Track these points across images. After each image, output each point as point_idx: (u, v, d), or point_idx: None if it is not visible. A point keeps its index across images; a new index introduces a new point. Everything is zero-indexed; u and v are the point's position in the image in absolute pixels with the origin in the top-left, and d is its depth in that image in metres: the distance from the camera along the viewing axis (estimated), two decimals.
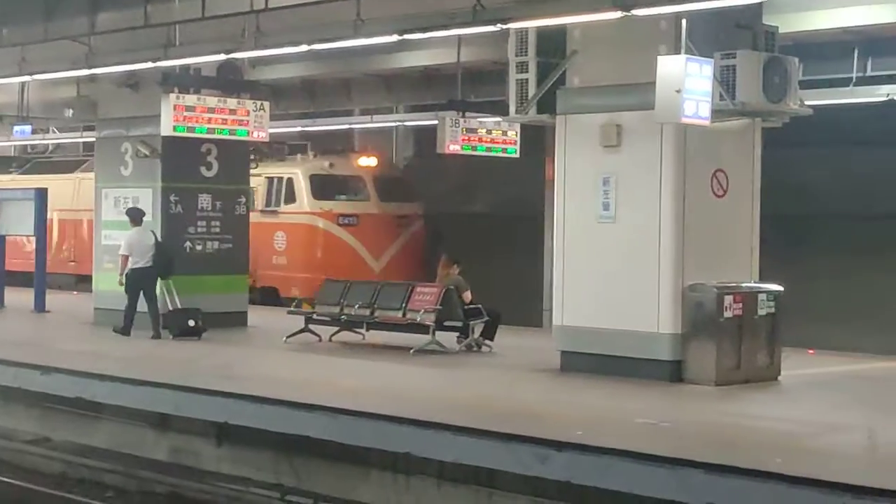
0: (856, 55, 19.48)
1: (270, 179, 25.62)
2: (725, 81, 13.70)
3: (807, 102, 14.93)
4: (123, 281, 18.65)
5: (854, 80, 19.65)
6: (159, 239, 18.96)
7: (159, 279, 18.85)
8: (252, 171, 22.16)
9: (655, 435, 11.12)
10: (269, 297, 24.66)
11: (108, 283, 19.92)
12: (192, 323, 18.76)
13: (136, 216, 19.07)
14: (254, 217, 22.19)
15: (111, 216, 20.65)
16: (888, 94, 19.92)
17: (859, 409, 12.73)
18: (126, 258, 18.69)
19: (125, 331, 18.53)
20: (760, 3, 13.77)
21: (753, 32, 14.25)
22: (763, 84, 13.86)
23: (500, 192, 26.87)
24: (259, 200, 25.07)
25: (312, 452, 12.20)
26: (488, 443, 10.86)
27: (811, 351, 17.48)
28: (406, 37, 15.39)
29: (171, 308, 18.98)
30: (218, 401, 13.23)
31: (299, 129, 27.89)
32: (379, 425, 11.72)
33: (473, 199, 27.92)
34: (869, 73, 19.72)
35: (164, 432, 13.75)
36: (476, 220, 27.11)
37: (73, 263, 29.44)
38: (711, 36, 13.91)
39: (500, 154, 19.70)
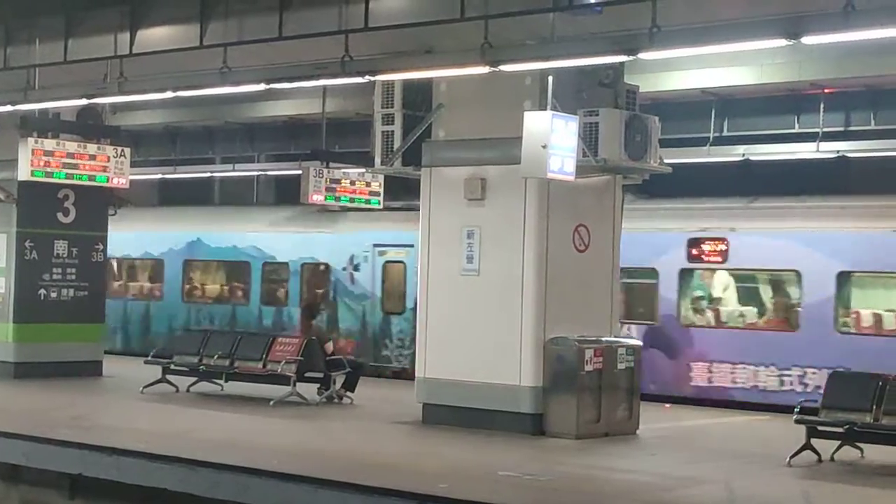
0: (713, 115, 19.96)
1: None
2: (588, 138, 13.91)
3: (666, 160, 15.24)
4: None
5: (711, 139, 20.14)
6: None
7: None
8: None
9: (518, 488, 11.13)
10: None
11: None
12: None
13: None
14: None
15: None
16: (743, 154, 20.47)
17: (714, 462, 12.93)
18: None
19: None
20: (622, 63, 14.02)
21: (615, 91, 14.51)
22: (624, 141, 14.10)
23: None
24: None
25: None
26: (350, 496, 10.74)
27: (667, 406, 17.78)
28: (273, 86, 15.33)
29: None
30: (72, 452, 12.87)
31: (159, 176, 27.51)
32: (238, 478, 11.51)
33: None
34: (725, 132, 20.23)
35: (15, 484, 13.33)
36: None
37: None
38: (575, 93, 14.17)
39: (364, 205, 19.65)
